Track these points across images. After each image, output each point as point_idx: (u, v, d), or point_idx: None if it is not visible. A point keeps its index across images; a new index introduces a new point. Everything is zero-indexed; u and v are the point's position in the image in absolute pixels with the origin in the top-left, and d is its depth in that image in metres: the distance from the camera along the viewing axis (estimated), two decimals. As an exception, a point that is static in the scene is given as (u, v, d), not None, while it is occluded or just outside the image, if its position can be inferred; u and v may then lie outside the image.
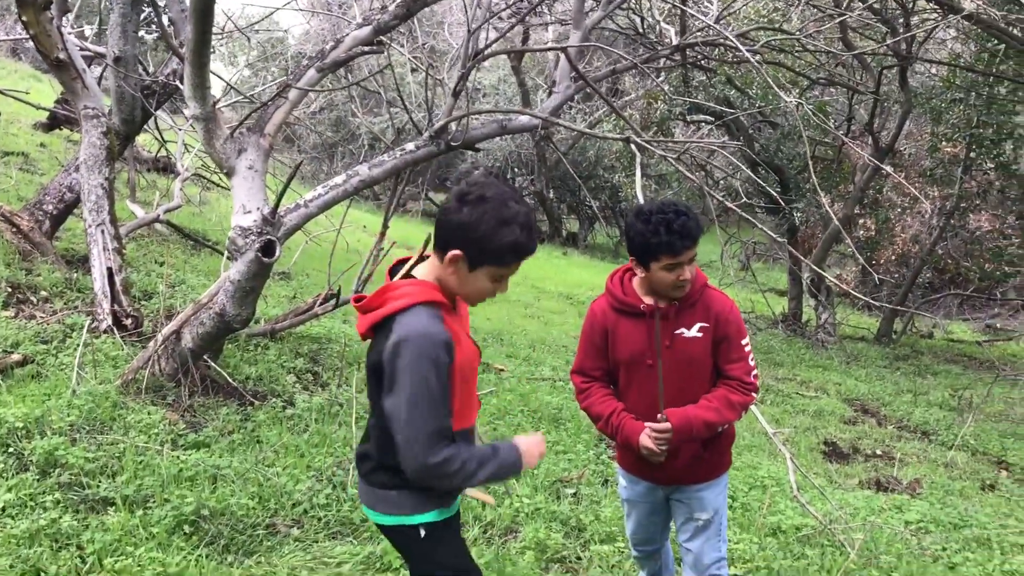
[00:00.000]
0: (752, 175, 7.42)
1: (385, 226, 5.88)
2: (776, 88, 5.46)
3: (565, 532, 4.14)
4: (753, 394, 2.96)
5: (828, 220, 12.90)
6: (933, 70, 12.79)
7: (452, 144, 5.56)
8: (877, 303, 10.96)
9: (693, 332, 2.92)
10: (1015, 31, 8.92)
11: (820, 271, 7.95)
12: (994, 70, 11.05)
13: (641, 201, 5.31)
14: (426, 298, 2.08)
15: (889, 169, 6.30)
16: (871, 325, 14.41)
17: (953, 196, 13.16)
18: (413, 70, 14.20)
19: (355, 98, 15.60)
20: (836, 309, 13.57)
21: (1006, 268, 13.81)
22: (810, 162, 6.77)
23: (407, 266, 2.22)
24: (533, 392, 6.42)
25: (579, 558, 3.94)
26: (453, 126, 5.57)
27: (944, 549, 4.79)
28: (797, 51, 10.78)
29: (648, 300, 2.95)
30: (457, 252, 2.06)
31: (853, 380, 9.86)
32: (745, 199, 12.58)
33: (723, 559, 3.07)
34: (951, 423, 8.18)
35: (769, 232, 5.78)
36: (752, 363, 2.97)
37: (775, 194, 8.10)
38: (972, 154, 12.66)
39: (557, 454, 5.24)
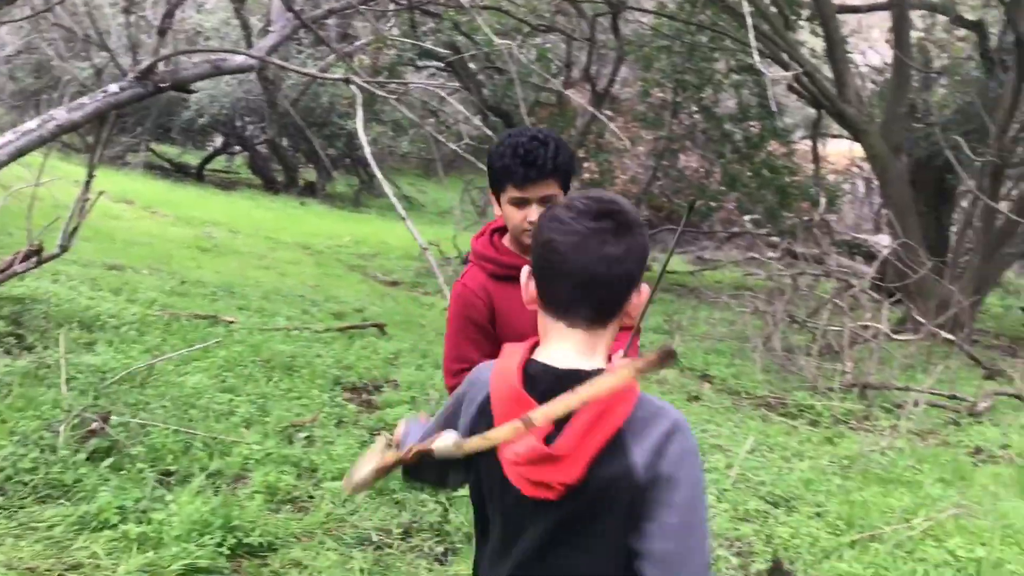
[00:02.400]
0: (477, 123, 7.64)
1: (90, 175, 5.48)
2: (491, 34, 5.63)
3: (297, 474, 4.15)
4: None
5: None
6: (644, 19, 13.63)
7: (161, 85, 5.27)
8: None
9: None
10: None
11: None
12: (695, 19, 11.99)
13: (365, 145, 5.32)
14: (636, 384, 1.46)
15: (602, 116, 6.69)
16: (597, 261, 15.34)
17: (663, 138, 14.20)
18: (125, 11, 13.16)
19: (58, 40, 14.25)
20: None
21: (711, 204, 15.15)
22: (523, 106, 7.05)
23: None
24: (266, 342, 6.31)
25: (311, 496, 3.97)
26: (162, 66, 5.28)
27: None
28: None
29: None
30: (647, 288, 1.56)
31: (580, 312, 10.49)
32: (474, 144, 12.90)
33: None
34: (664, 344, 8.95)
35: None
36: None
37: (494, 137, 8.31)
38: (679, 98, 13.71)
39: (291, 400, 5.21)
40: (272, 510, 3.76)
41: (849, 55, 11.82)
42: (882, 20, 13.73)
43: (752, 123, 13.64)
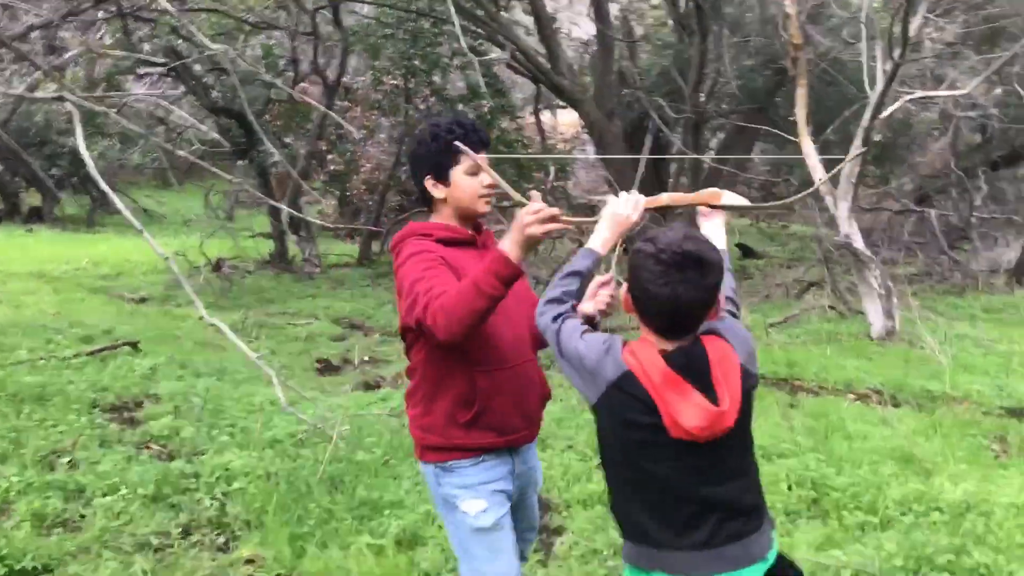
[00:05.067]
0: (206, 128, 7.61)
1: None
2: (204, 39, 5.70)
3: (65, 497, 4.15)
4: None
5: (296, 159, 13.54)
6: (365, 9, 13.86)
7: None
8: (356, 228, 11.88)
9: None
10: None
11: (291, 209, 8.46)
12: (414, 7, 12.39)
13: (90, 163, 5.25)
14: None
15: (328, 111, 6.87)
16: (354, 251, 15.49)
17: (402, 124, 14.55)
18: None
19: None
20: (319, 241, 14.36)
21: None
22: (247, 106, 7.14)
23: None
24: (9, 377, 6.07)
25: (83, 516, 4.00)
26: None
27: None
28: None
29: None
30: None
31: (340, 302, 10.70)
32: (208, 149, 12.66)
33: None
34: (424, 321, 9.34)
35: (230, 178, 6.08)
36: None
37: (225, 141, 8.35)
38: (410, 84, 14.09)
39: (47, 429, 5.11)
40: (43, 535, 3.77)
41: (560, 30, 12.70)
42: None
43: (483, 102, 14.27)
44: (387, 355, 8.03)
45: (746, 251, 15.15)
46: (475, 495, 2.46)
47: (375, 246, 15.26)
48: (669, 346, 2.01)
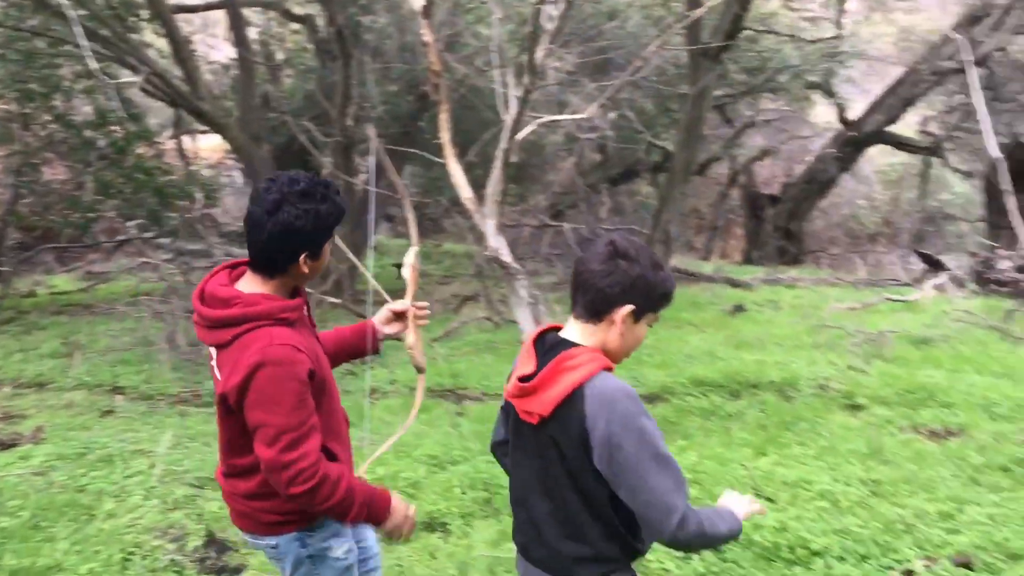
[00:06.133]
0: None
1: None
2: None
3: None
4: None
5: None
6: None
7: None
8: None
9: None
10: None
11: None
12: (24, 26, 11.23)
13: None
14: (606, 365, 2.06)
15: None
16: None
17: (18, 152, 13.13)
18: None
19: None
20: (-76, 288, 12.53)
21: (88, 215, 14.45)
22: None
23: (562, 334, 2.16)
24: None
25: None
26: None
27: (71, 477, 5.16)
28: None
29: None
30: (630, 307, 2.06)
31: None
32: None
33: None
34: (65, 368, 8.52)
35: None
36: None
37: None
38: (27, 109, 12.75)
39: None
40: None
41: (196, 53, 12.20)
42: (225, 17, 14.34)
43: (115, 127, 13.26)
44: (23, 409, 7.21)
45: (404, 270, 15.53)
46: (342, 538, 2.52)
47: (-3, 290, 13.59)
48: (565, 325, 2.18)
